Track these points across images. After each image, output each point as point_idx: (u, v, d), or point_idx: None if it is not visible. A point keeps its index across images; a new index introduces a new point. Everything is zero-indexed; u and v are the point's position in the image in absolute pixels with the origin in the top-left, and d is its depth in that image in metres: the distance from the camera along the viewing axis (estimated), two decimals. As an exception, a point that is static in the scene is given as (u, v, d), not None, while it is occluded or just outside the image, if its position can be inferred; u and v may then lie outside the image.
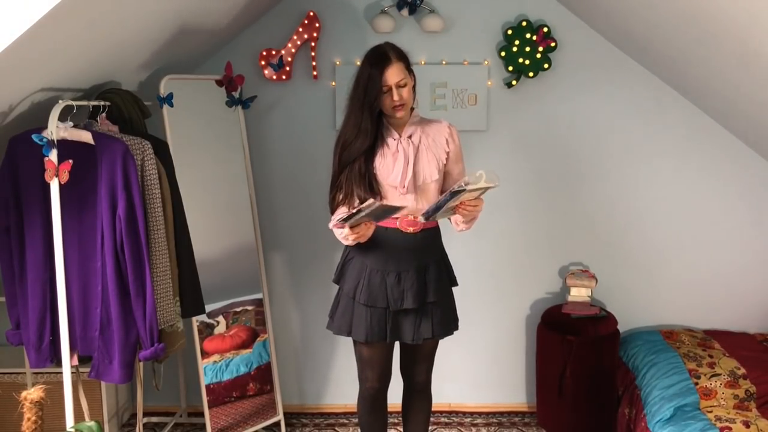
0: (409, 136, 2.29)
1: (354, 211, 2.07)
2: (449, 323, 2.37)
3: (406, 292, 2.25)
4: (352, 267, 2.33)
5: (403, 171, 2.24)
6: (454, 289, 2.43)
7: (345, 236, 2.19)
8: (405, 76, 2.22)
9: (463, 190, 2.03)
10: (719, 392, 2.66)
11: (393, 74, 2.19)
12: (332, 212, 2.30)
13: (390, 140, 2.28)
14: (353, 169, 2.23)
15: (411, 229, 2.26)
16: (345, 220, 2.08)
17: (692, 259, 3.23)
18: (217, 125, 2.97)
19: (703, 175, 3.17)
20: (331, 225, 2.17)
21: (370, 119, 2.22)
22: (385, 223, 2.23)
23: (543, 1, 3.06)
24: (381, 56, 2.21)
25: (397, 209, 2.14)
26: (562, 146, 3.18)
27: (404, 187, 2.23)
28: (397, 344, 2.43)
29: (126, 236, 2.20)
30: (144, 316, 2.24)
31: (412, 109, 2.33)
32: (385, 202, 2.18)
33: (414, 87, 2.29)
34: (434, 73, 3.08)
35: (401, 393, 2.57)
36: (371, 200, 2.04)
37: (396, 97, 2.20)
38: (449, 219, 2.33)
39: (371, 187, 2.23)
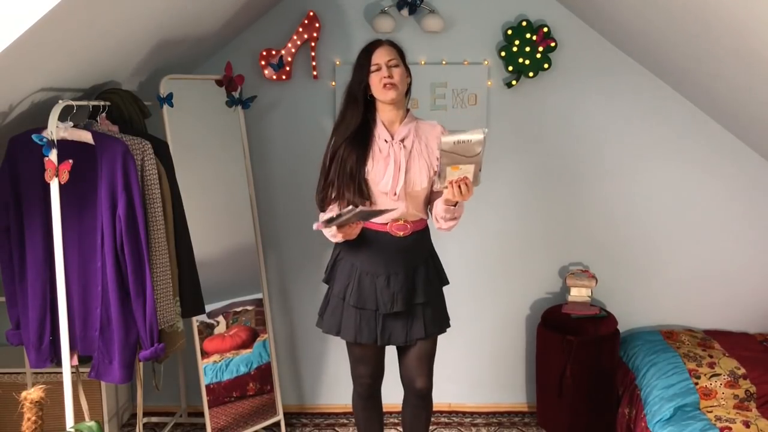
0: (402, 140, 2.26)
1: (335, 215, 2.06)
2: (440, 322, 2.36)
3: (396, 294, 2.24)
4: (341, 268, 2.32)
5: (394, 178, 2.21)
6: (453, 288, 2.42)
7: (333, 234, 2.19)
8: (396, 57, 2.22)
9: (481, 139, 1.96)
10: (719, 392, 2.66)
11: (382, 53, 2.21)
12: (321, 209, 2.30)
13: (382, 143, 2.25)
14: (345, 169, 2.21)
15: (401, 233, 2.26)
16: (329, 221, 2.08)
17: (692, 260, 3.23)
18: (217, 125, 2.97)
19: (703, 175, 3.17)
20: (315, 227, 2.12)
21: (358, 98, 2.24)
22: (376, 226, 2.23)
23: (543, 1, 3.06)
24: (370, 43, 2.27)
25: (382, 212, 2.13)
26: (562, 146, 3.18)
27: (395, 194, 2.22)
28: (395, 353, 2.43)
29: (126, 236, 2.20)
30: (144, 316, 2.24)
31: (408, 110, 2.32)
32: (367, 207, 2.16)
33: (409, 86, 2.29)
34: (434, 73, 3.08)
35: (400, 393, 2.57)
36: (351, 207, 2.04)
37: (386, 73, 2.18)
38: (433, 216, 2.30)
39: (361, 190, 2.21)
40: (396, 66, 2.21)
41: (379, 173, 2.23)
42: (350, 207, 2.04)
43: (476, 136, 1.96)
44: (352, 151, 2.21)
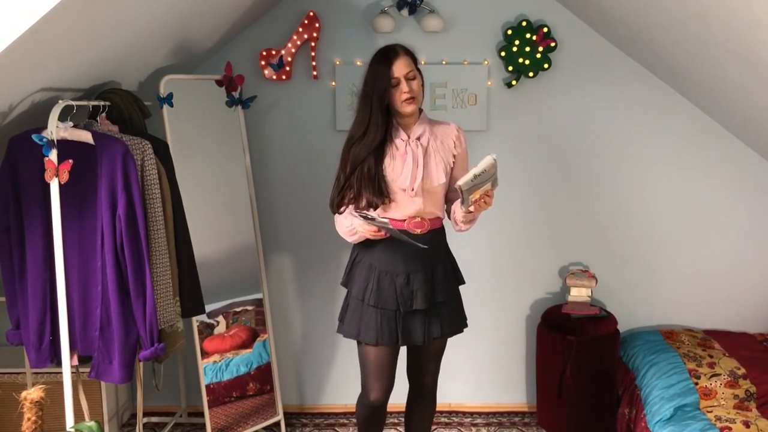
0: (418, 138, 2.27)
1: (371, 217, 2.12)
2: (458, 321, 2.38)
3: (416, 292, 2.24)
4: (360, 269, 2.32)
5: (413, 174, 2.23)
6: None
7: (356, 232, 2.23)
8: (413, 69, 2.22)
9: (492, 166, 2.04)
10: (719, 392, 2.66)
11: (401, 66, 2.19)
12: (334, 210, 2.30)
13: (398, 141, 2.26)
14: (362, 170, 2.22)
15: (419, 231, 2.26)
16: (365, 218, 2.12)
17: (692, 259, 3.23)
18: (217, 125, 2.97)
19: (703, 175, 3.17)
20: (343, 219, 2.18)
21: (380, 112, 2.20)
22: (393, 224, 2.22)
23: (543, 1, 3.06)
24: (387, 51, 2.22)
25: (408, 238, 2.17)
26: (562, 146, 3.18)
27: (413, 189, 2.23)
28: (403, 349, 2.42)
29: (126, 236, 2.20)
30: (144, 316, 2.24)
31: (421, 110, 2.33)
32: (400, 232, 2.21)
33: (423, 87, 2.29)
34: (434, 73, 3.07)
35: (404, 394, 2.56)
36: (387, 221, 2.14)
37: (406, 89, 2.18)
38: (452, 219, 2.33)
39: (380, 189, 2.21)
40: (414, 78, 2.21)
41: (397, 170, 2.24)
42: (386, 220, 2.15)
43: (488, 162, 2.02)
44: (371, 154, 2.22)
